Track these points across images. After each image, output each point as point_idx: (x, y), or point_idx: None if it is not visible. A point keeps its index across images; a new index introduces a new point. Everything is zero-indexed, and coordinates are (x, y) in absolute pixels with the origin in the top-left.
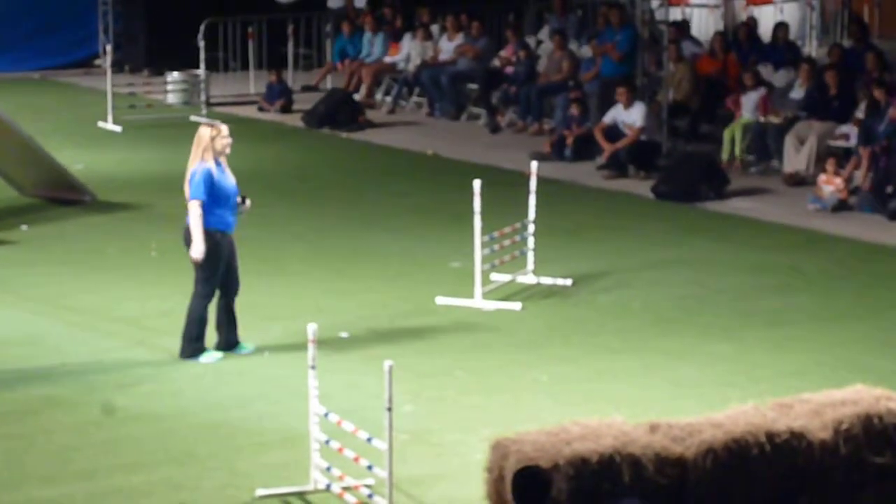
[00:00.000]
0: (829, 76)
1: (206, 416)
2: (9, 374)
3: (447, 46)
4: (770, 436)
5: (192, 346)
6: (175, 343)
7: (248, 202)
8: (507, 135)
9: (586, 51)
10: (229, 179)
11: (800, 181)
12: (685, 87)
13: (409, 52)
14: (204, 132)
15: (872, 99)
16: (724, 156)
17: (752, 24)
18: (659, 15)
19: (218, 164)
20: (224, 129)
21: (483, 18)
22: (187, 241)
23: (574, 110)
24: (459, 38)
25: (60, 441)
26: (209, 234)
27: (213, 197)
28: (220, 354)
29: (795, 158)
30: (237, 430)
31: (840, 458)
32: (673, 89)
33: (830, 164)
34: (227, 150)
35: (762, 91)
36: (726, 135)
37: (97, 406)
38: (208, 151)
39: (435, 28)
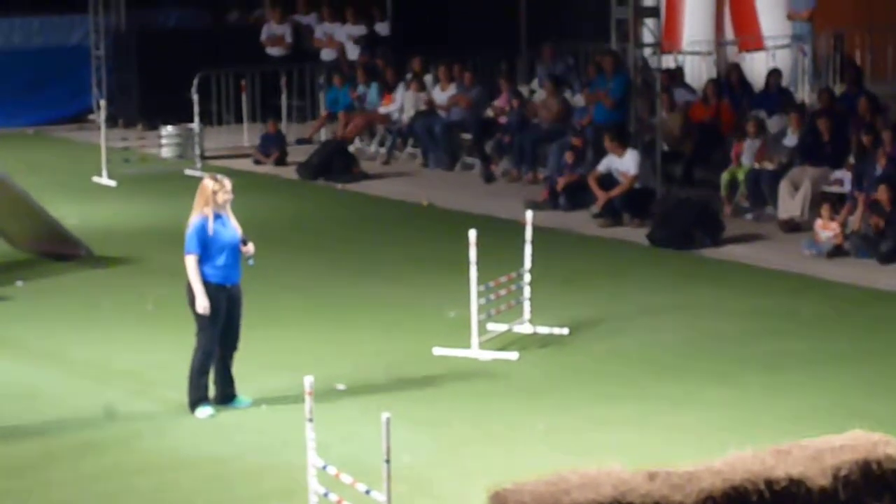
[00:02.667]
0: (822, 122)
1: (204, 469)
2: (7, 429)
3: (440, 97)
4: (769, 483)
5: (192, 398)
6: (173, 396)
7: (250, 245)
8: (501, 184)
9: (579, 99)
10: (231, 231)
11: (795, 227)
12: (678, 134)
13: (402, 102)
14: (207, 184)
15: (862, 144)
16: (724, 194)
17: (739, 69)
18: (652, 62)
19: (218, 216)
20: (227, 183)
21: (475, 68)
22: (190, 295)
23: (568, 158)
24: (452, 89)
25: (59, 496)
26: (205, 287)
27: (209, 250)
28: (211, 410)
29: (790, 204)
30: (236, 482)
31: None
32: (666, 136)
33: (826, 210)
34: (228, 205)
35: (763, 139)
36: (725, 178)
37: (95, 460)
38: (209, 205)
39: (428, 78)
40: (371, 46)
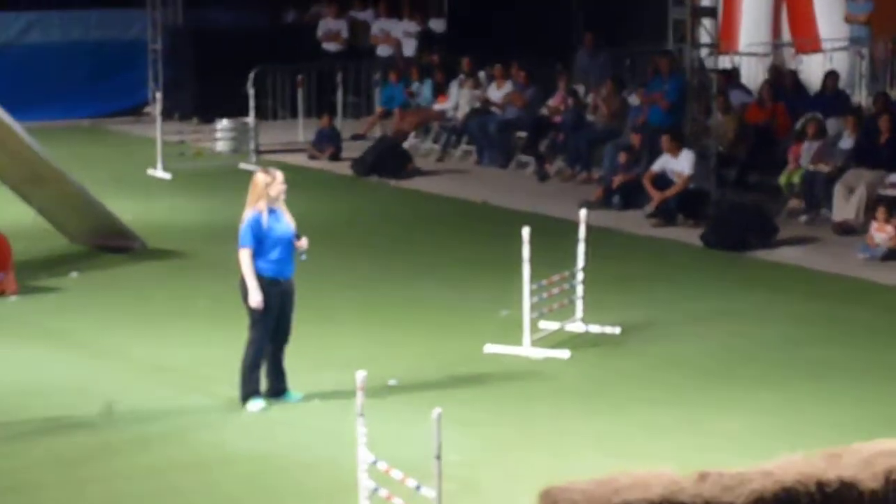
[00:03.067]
0: (881, 123)
1: (255, 464)
2: (60, 422)
3: (495, 95)
4: (820, 485)
5: (244, 391)
6: (225, 391)
7: (303, 240)
8: (555, 183)
9: (633, 99)
10: (284, 226)
11: (849, 230)
12: (732, 137)
13: (457, 100)
14: (259, 178)
15: None
16: (786, 194)
17: (793, 73)
18: (708, 63)
19: (272, 210)
20: (279, 175)
21: (531, 67)
22: (243, 290)
23: (622, 157)
24: (507, 87)
25: (114, 488)
26: (259, 281)
27: (263, 244)
28: (263, 403)
29: (845, 207)
30: (284, 478)
31: None
32: (720, 138)
33: (881, 213)
34: (282, 197)
35: (822, 141)
36: (783, 180)
37: (148, 453)
38: (262, 198)
39: (482, 76)
40: (427, 43)
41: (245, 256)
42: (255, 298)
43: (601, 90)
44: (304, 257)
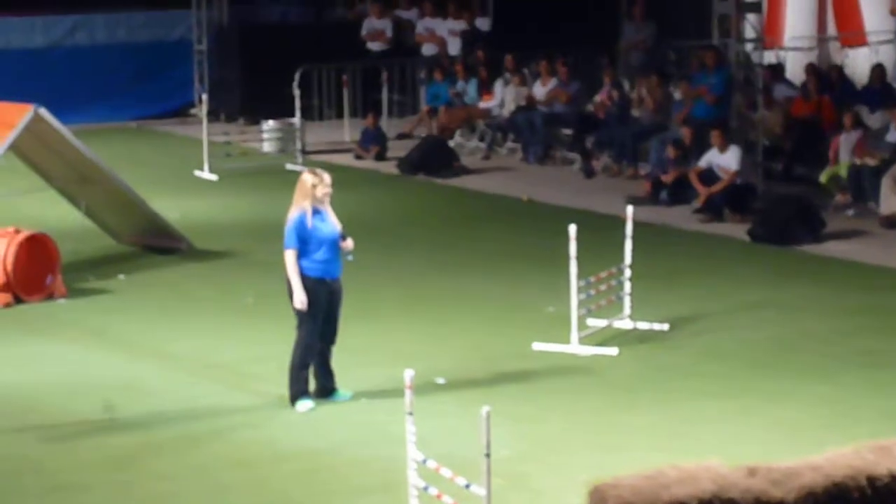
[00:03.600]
0: None
1: (303, 463)
2: (107, 423)
3: (539, 91)
4: (871, 479)
5: (293, 392)
6: (272, 389)
7: (349, 241)
8: (601, 179)
9: (677, 94)
10: (330, 226)
11: None
12: (779, 131)
13: (502, 97)
14: (306, 179)
15: None
16: (830, 198)
17: (839, 68)
18: (754, 58)
19: (317, 211)
20: (326, 177)
21: (576, 64)
22: (290, 290)
23: (671, 153)
24: (551, 83)
25: (161, 488)
26: (304, 281)
27: (308, 244)
28: (312, 403)
29: (892, 200)
30: (334, 476)
31: None
32: (766, 132)
33: None
34: (328, 199)
35: (860, 132)
36: (824, 178)
37: (195, 452)
38: (308, 199)
39: (527, 73)
40: (472, 42)
41: (290, 257)
42: (300, 299)
43: (646, 83)
44: (350, 258)
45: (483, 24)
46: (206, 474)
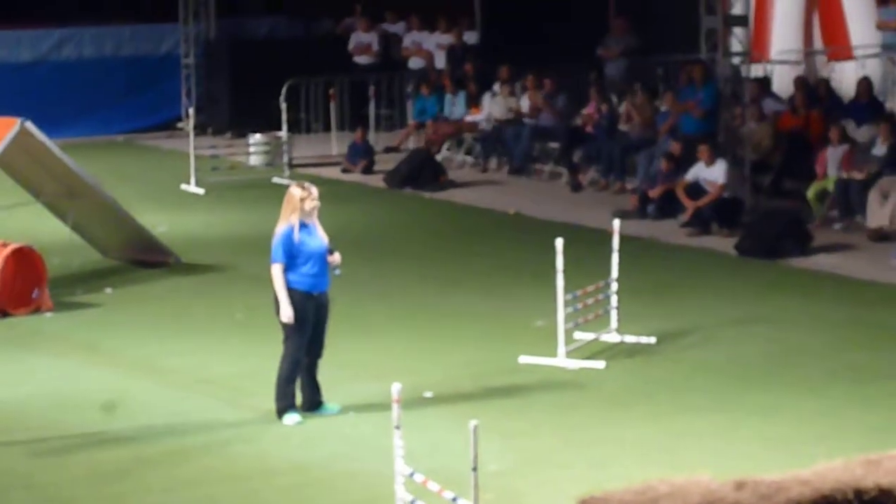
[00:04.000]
0: None
1: (293, 477)
2: (96, 437)
3: (526, 105)
4: (858, 493)
5: (279, 405)
6: (261, 403)
7: (336, 255)
8: (589, 193)
9: (662, 105)
10: (317, 240)
11: (884, 236)
12: (767, 144)
13: (490, 111)
14: (294, 192)
15: None
16: (816, 214)
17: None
18: (742, 72)
19: (305, 225)
20: (314, 191)
21: (564, 77)
22: (276, 304)
23: (664, 166)
24: (538, 97)
25: (150, 501)
26: (292, 295)
27: (296, 258)
28: (299, 417)
29: (879, 213)
30: (323, 490)
31: None
32: (755, 146)
33: None
34: (315, 213)
35: (847, 147)
36: (812, 192)
37: (186, 467)
38: (296, 212)
39: (517, 86)
40: (459, 55)
41: (276, 271)
42: (286, 313)
43: (632, 100)
44: (337, 272)
45: (471, 37)
46: (197, 488)
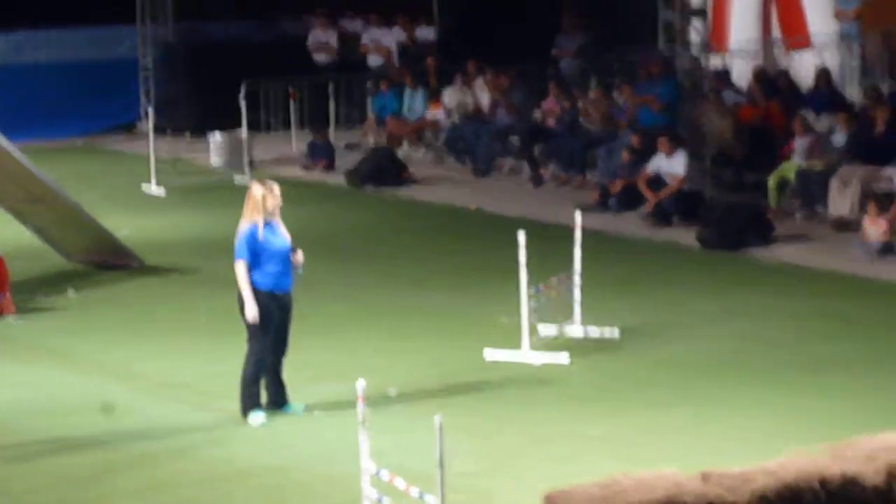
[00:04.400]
0: (876, 116)
1: (262, 479)
2: (64, 442)
3: (484, 100)
4: (823, 482)
5: (244, 405)
6: (229, 406)
7: (299, 254)
8: (550, 188)
9: (619, 97)
10: (280, 239)
11: (845, 225)
12: (728, 137)
13: (449, 107)
14: (256, 191)
15: None
16: (772, 203)
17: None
18: (701, 62)
19: (268, 223)
20: (276, 188)
21: (523, 73)
22: (241, 303)
23: (625, 157)
24: (495, 92)
25: None
26: (256, 295)
27: (259, 257)
28: (263, 416)
29: (840, 203)
30: (293, 491)
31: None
32: (716, 138)
33: (872, 207)
34: (277, 211)
35: (813, 136)
36: (772, 181)
37: (154, 471)
38: (259, 211)
39: (479, 82)
40: (417, 52)
41: (240, 268)
42: (251, 312)
43: (587, 98)
44: (300, 271)
45: (428, 33)
46: (170, 492)
